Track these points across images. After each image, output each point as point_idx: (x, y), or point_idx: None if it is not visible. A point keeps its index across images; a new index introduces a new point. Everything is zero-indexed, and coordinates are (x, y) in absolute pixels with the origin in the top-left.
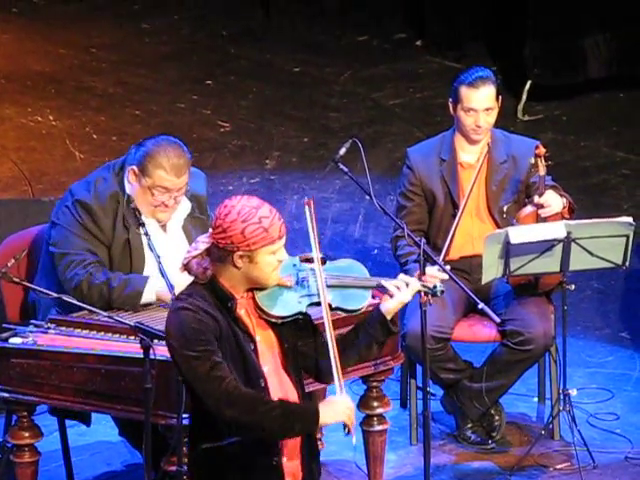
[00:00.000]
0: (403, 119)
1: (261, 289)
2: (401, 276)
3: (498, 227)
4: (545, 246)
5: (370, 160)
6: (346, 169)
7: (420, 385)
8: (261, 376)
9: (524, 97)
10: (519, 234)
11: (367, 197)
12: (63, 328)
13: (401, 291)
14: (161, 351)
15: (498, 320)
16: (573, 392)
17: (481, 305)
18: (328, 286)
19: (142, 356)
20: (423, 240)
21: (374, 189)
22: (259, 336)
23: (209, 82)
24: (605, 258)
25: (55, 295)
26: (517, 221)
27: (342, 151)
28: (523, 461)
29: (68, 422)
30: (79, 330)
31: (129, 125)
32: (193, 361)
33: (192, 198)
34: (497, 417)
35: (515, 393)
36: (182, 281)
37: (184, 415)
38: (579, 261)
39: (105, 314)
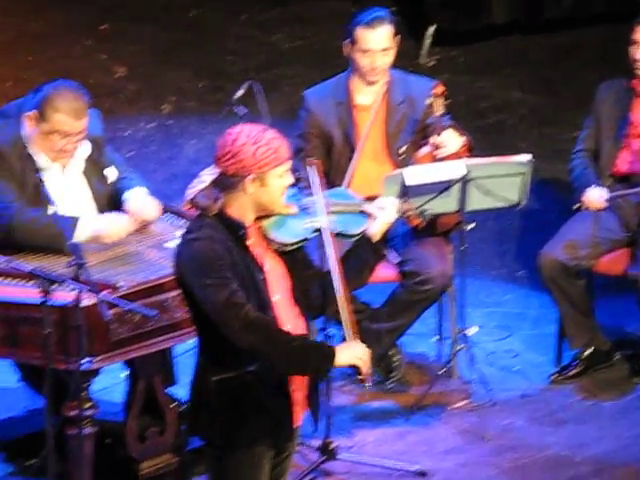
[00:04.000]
0: (300, 62)
1: (267, 217)
2: (389, 198)
3: (396, 168)
4: (443, 186)
5: (268, 103)
6: (243, 112)
7: (321, 326)
8: (270, 306)
9: (427, 42)
10: (415, 175)
11: None
12: None
13: (385, 211)
14: (60, 296)
15: (397, 260)
16: (472, 331)
17: None
18: (328, 212)
19: (41, 302)
20: None
21: None
22: (267, 265)
23: (104, 26)
24: (502, 197)
25: None
26: (415, 161)
27: (239, 94)
28: (422, 400)
29: None
30: None
31: (24, 71)
32: (211, 289)
33: (90, 141)
34: (397, 357)
35: (414, 333)
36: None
37: (84, 360)
38: (476, 201)
39: (3, 259)
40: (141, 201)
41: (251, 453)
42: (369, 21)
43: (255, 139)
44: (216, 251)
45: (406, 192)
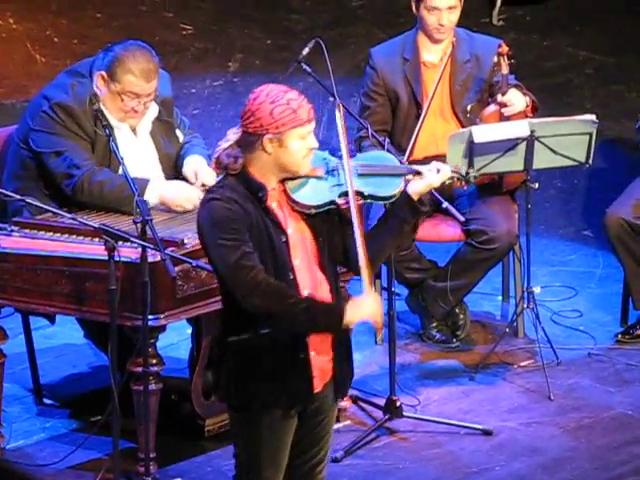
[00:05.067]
0: (366, 21)
1: (292, 180)
2: (436, 162)
3: (462, 127)
4: (509, 145)
5: (333, 62)
6: (309, 69)
7: (385, 285)
8: (290, 269)
9: (499, 3)
10: (483, 133)
11: (331, 98)
12: (27, 230)
13: (432, 174)
14: (125, 252)
15: (462, 219)
16: (537, 290)
17: (445, 204)
18: (359, 175)
19: (106, 258)
20: (387, 140)
21: (337, 91)
22: (291, 229)
23: None
24: (568, 156)
25: (18, 197)
26: (480, 120)
27: (305, 51)
28: (487, 359)
29: (33, 324)
30: (43, 232)
31: (90, 28)
32: (223, 249)
33: (160, 102)
34: (462, 316)
35: (479, 292)
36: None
37: (150, 316)
38: (543, 159)
39: (69, 216)
40: (198, 169)
41: (267, 417)
42: None
43: (273, 98)
44: (232, 211)
45: (472, 150)
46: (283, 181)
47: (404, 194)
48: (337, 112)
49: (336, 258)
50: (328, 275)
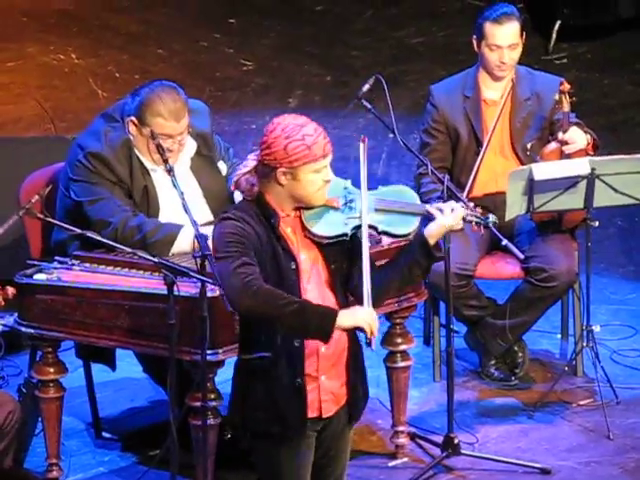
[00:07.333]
0: (426, 58)
1: (309, 208)
2: (450, 202)
3: (522, 164)
4: (569, 182)
5: (393, 99)
6: (369, 106)
7: (443, 322)
8: (298, 296)
9: (553, 37)
10: (543, 171)
11: (390, 135)
12: (87, 264)
13: (444, 215)
14: (185, 287)
15: (522, 257)
16: (596, 328)
17: (505, 242)
18: (376, 210)
19: (166, 292)
20: (447, 177)
21: (397, 128)
22: (304, 255)
23: (232, 20)
24: (629, 194)
25: (79, 231)
26: (541, 158)
27: (365, 88)
28: (546, 397)
29: None
30: (103, 266)
31: (152, 64)
32: (224, 260)
33: (197, 137)
34: (520, 354)
35: (538, 330)
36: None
37: (208, 351)
38: (603, 198)
39: (129, 250)
40: None
41: (265, 443)
42: (497, 17)
43: (289, 133)
44: (241, 228)
45: (532, 187)
46: (300, 208)
47: (419, 235)
48: (361, 145)
49: (351, 290)
50: (339, 299)
